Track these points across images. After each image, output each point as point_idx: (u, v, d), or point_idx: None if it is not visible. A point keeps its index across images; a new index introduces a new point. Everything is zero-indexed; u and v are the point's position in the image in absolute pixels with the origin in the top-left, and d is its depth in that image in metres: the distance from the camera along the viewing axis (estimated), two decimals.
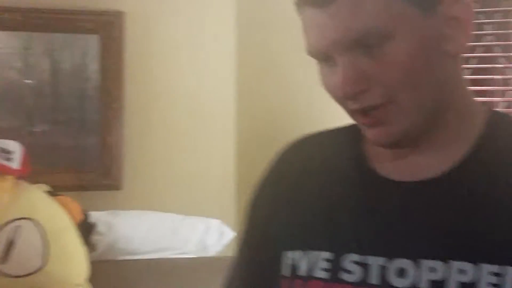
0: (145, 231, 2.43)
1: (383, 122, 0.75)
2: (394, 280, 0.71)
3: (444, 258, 0.68)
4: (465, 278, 0.67)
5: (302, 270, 0.77)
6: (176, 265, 2.39)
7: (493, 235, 0.68)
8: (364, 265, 0.72)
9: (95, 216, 2.32)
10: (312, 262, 0.77)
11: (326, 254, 0.76)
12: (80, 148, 2.57)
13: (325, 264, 0.75)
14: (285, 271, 0.81)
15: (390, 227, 0.74)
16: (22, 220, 2.00)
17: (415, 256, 0.71)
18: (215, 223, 2.50)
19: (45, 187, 2.21)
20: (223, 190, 2.70)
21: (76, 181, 2.50)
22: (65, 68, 2.60)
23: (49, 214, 2.08)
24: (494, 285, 0.66)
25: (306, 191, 0.85)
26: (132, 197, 2.57)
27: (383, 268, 0.71)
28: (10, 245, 1.95)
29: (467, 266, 0.67)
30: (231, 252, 2.57)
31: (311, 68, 0.87)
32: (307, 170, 0.87)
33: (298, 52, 0.87)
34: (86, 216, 2.21)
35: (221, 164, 2.73)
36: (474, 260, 0.67)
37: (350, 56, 0.73)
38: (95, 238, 2.25)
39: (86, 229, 2.20)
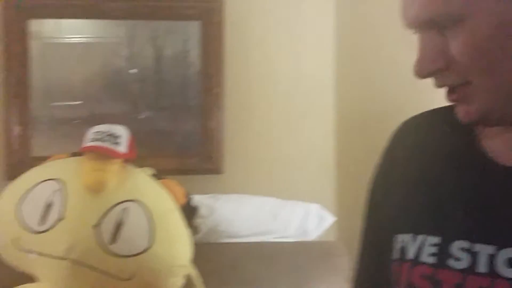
0: (246, 215, 2.45)
1: (464, 100, 0.75)
2: (503, 269, 0.68)
3: None
4: None
5: (410, 254, 0.76)
6: (276, 249, 2.41)
7: None
8: (472, 253, 0.70)
9: (198, 199, 2.38)
10: (420, 246, 0.75)
11: (435, 239, 0.74)
12: (183, 133, 2.63)
13: (432, 249, 0.73)
14: (395, 254, 0.80)
15: (500, 215, 0.71)
16: (130, 202, 2.07)
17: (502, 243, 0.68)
18: (315, 207, 2.49)
19: (150, 171, 2.29)
20: (323, 175, 2.68)
21: (179, 165, 2.56)
22: (167, 55, 2.67)
23: (154, 196, 2.15)
24: None
25: (417, 173, 0.84)
26: (233, 181, 2.60)
27: (491, 257, 0.69)
28: (118, 226, 2.03)
29: None
30: (331, 237, 2.56)
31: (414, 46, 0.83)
32: (419, 151, 0.86)
33: (400, 29, 0.84)
34: (189, 199, 2.27)
35: (321, 149, 2.71)
36: None
37: (429, 34, 0.74)
38: (198, 221, 2.31)
39: (189, 211, 2.25)
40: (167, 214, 2.13)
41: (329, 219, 2.46)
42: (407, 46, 0.94)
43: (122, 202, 2.05)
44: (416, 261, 0.75)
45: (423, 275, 0.73)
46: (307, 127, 2.69)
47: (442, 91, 0.80)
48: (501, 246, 0.68)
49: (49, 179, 2.10)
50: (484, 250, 0.69)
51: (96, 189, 2.05)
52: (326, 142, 2.70)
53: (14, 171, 2.40)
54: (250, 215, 2.45)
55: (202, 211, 2.38)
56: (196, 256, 2.18)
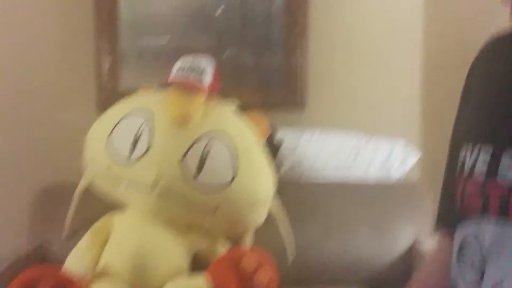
0: (329, 151, 2.43)
1: None
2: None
3: None
4: None
5: (467, 166, 0.74)
6: (360, 188, 2.38)
7: None
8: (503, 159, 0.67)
9: (281, 134, 2.37)
10: (476, 155, 0.73)
11: (489, 149, 0.71)
12: (267, 67, 2.61)
13: (486, 158, 0.71)
14: (459, 168, 0.78)
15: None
16: (214, 135, 2.08)
17: None
18: (399, 144, 2.42)
19: (235, 104, 2.29)
20: (409, 110, 2.60)
21: (263, 99, 2.55)
22: None
23: (238, 129, 2.16)
24: None
25: (487, 85, 0.81)
26: (317, 116, 2.57)
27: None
28: (203, 158, 2.06)
29: None
30: (414, 175, 2.50)
31: None
32: (492, 67, 0.83)
33: None
34: (273, 133, 2.26)
35: (407, 83, 2.62)
36: None
37: None
38: (281, 156, 2.30)
39: (273, 146, 2.25)
40: (251, 148, 2.14)
41: (414, 157, 2.40)
42: None
43: (206, 134, 2.07)
44: (470, 173, 0.73)
45: (474, 185, 0.72)
46: (394, 61, 2.60)
47: None
48: None
49: (137, 111, 2.15)
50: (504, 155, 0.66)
51: (182, 121, 2.07)
52: (413, 76, 2.60)
53: (104, 103, 2.48)
54: (333, 151, 2.43)
55: (285, 146, 2.37)
56: (278, 191, 2.20)
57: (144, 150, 2.06)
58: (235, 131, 2.14)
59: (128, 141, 2.09)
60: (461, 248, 0.78)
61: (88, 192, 2.23)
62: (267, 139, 2.23)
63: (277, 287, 1.99)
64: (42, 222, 2.32)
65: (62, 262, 2.07)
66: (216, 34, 2.64)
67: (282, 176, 2.29)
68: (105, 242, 2.08)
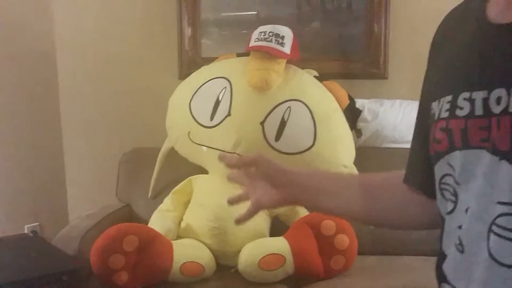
0: (409, 120, 2.38)
1: None
2: (494, 108, 0.77)
3: None
4: None
5: (436, 115, 0.87)
6: None
7: None
8: (471, 100, 0.80)
9: (361, 103, 2.35)
10: (441, 106, 0.86)
11: (449, 97, 0.85)
12: (348, 37, 2.57)
13: (447, 106, 0.84)
14: (430, 119, 0.89)
15: (491, 64, 0.81)
16: (293, 102, 2.09)
17: (509, 85, 0.77)
18: None
19: (314, 72, 2.28)
20: None
21: (343, 69, 2.53)
22: None
23: (318, 97, 2.16)
24: None
25: (443, 50, 0.95)
26: (397, 86, 2.52)
27: (485, 100, 0.79)
28: (283, 124, 2.07)
29: None
30: None
31: None
32: (447, 31, 0.98)
33: None
34: (352, 102, 2.24)
35: None
36: None
37: None
38: (361, 124, 2.28)
39: (352, 114, 2.23)
40: (330, 114, 2.13)
41: None
42: None
43: (286, 101, 2.08)
44: (438, 119, 0.86)
45: (441, 128, 0.85)
46: None
47: None
48: (491, 89, 0.78)
49: (217, 78, 2.19)
50: (479, 95, 0.79)
51: (261, 87, 2.09)
52: None
53: (185, 70, 2.54)
54: (413, 121, 2.38)
55: (366, 115, 2.35)
56: (358, 158, 2.19)
57: (224, 115, 2.10)
58: (315, 98, 2.14)
59: (208, 106, 2.14)
60: (440, 186, 0.89)
61: (171, 156, 2.29)
62: (347, 107, 2.21)
63: (356, 253, 1.99)
64: (129, 183, 2.42)
65: (146, 221, 2.15)
66: (297, 4, 2.62)
67: (363, 144, 2.27)
68: (186, 204, 2.14)
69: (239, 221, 1.20)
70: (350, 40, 2.58)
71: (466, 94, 0.80)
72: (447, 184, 0.86)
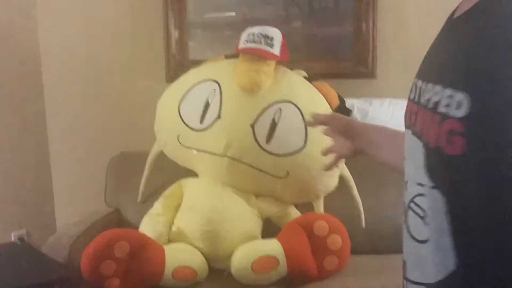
0: (399, 119, 2.37)
1: None
2: (421, 98, 0.84)
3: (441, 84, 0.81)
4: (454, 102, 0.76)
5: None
6: None
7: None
8: (415, 87, 0.88)
9: (351, 103, 2.34)
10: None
11: (415, 81, 0.91)
12: (335, 37, 2.56)
13: (414, 89, 0.90)
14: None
15: (431, 57, 0.89)
16: (284, 103, 2.08)
17: (435, 82, 0.82)
18: None
19: (303, 73, 2.27)
20: None
21: (332, 69, 2.52)
22: None
23: (308, 98, 2.14)
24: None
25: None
26: (386, 85, 2.53)
27: (420, 89, 0.86)
28: (273, 126, 2.06)
29: (459, 94, 0.76)
30: None
31: None
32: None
33: None
34: (342, 101, 2.24)
35: None
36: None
37: None
38: None
39: (342, 114, 2.21)
40: None
41: None
42: None
43: (276, 102, 2.07)
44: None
45: (407, 109, 0.92)
46: None
47: None
48: (424, 80, 0.85)
49: (206, 80, 2.17)
50: (419, 84, 0.86)
51: (251, 89, 2.08)
52: None
53: (173, 73, 2.51)
54: (403, 119, 2.38)
55: (355, 114, 2.34)
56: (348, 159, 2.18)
57: (214, 118, 2.08)
58: (305, 99, 2.13)
59: (198, 109, 2.12)
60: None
61: (160, 159, 2.27)
62: (337, 108, 2.20)
63: (349, 253, 1.98)
64: (118, 188, 2.39)
65: (136, 225, 2.13)
66: (283, 4, 2.61)
67: None
68: (177, 207, 2.12)
69: (327, 167, 1.47)
70: (338, 40, 2.57)
71: (415, 80, 0.90)
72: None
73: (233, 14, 2.62)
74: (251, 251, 1.93)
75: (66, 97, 2.65)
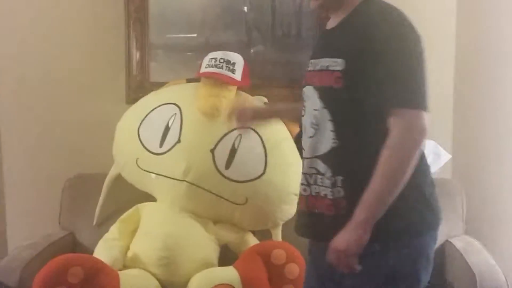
0: None
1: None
2: (316, 67, 1.52)
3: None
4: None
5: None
6: None
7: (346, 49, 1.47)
8: (313, 64, 1.54)
9: None
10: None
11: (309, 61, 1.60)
12: (297, 64, 2.58)
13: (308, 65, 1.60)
14: None
15: (319, 47, 1.59)
16: (244, 129, 2.08)
17: (320, 57, 1.51)
18: (430, 144, 2.40)
19: (264, 99, 2.29)
20: (440, 112, 2.57)
21: (293, 96, 2.53)
22: None
23: (268, 124, 2.15)
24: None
25: None
26: None
27: (313, 63, 1.53)
28: (233, 151, 2.06)
29: (327, 60, 1.48)
30: (446, 175, 2.47)
31: None
32: None
33: None
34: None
35: (438, 85, 2.59)
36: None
37: None
38: None
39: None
40: (281, 142, 2.13)
41: (445, 157, 2.38)
42: None
43: (236, 128, 2.07)
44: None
45: (306, 77, 1.58)
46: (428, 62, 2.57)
47: None
48: (316, 57, 1.53)
49: (167, 104, 2.16)
50: (312, 62, 1.54)
51: (212, 114, 2.08)
52: (445, 78, 2.58)
53: (134, 95, 2.48)
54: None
55: None
56: None
57: (174, 142, 2.07)
58: (265, 126, 2.12)
59: (157, 133, 2.11)
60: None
61: (118, 182, 2.24)
62: (298, 135, 2.21)
63: None
64: (73, 210, 2.34)
65: (91, 249, 2.09)
66: (245, 30, 2.63)
67: None
68: (133, 232, 2.09)
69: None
70: (299, 66, 2.59)
71: (311, 60, 1.55)
72: (304, 103, 1.58)
73: (195, 35, 2.62)
74: (207, 278, 1.91)
75: (21, 117, 2.58)
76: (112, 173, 2.25)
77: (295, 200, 2.14)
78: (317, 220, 1.51)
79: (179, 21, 2.62)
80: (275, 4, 2.61)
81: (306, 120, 1.55)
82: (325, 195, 1.47)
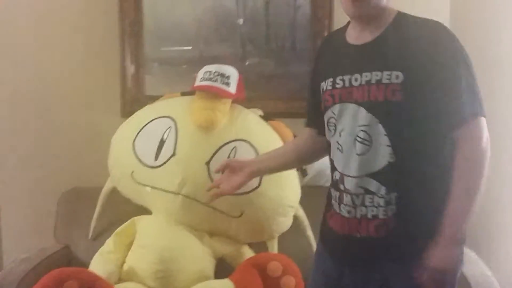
0: None
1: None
2: (353, 82, 1.50)
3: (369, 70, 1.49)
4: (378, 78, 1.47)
5: (324, 88, 1.58)
6: None
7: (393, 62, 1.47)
8: (343, 80, 1.52)
9: None
10: (326, 84, 1.57)
11: (330, 79, 1.56)
12: (292, 76, 2.60)
13: (330, 83, 1.56)
14: (321, 91, 1.61)
15: (351, 63, 1.53)
16: (239, 142, 2.09)
17: (358, 72, 1.50)
18: None
19: (259, 112, 2.30)
20: None
21: (287, 108, 2.54)
22: None
23: (263, 137, 2.16)
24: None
25: (323, 57, 1.70)
26: None
27: (347, 79, 1.52)
28: None
29: (378, 74, 1.47)
30: None
31: None
32: (324, 48, 1.73)
33: None
34: None
35: None
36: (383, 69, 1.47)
37: None
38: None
39: None
40: None
41: None
42: None
43: (231, 141, 2.08)
44: (326, 89, 1.57)
45: (329, 94, 1.56)
46: None
47: None
48: (352, 74, 1.50)
49: (162, 117, 2.16)
50: (347, 77, 1.52)
51: (207, 127, 2.09)
52: None
53: (129, 108, 2.49)
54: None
55: None
56: (304, 197, 2.20)
57: (169, 155, 2.07)
58: (260, 138, 2.14)
59: (153, 146, 2.11)
60: (327, 123, 1.59)
61: (113, 195, 2.24)
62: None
63: None
64: (68, 224, 2.34)
65: (87, 263, 2.08)
66: (239, 42, 2.64)
67: (308, 183, 2.28)
68: (129, 245, 2.08)
69: (209, 199, 1.83)
70: (294, 79, 2.61)
71: (340, 77, 1.53)
72: (331, 121, 1.56)
73: (189, 48, 2.63)
74: None
75: (17, 131, 2.59)
76: (107, 186, 2.25)
77: (291, 212, 2.16)
78: (360, 245, 1.49)
79: (173, 34, 2.63)
80: (269, 17, 2.63)
81: (345, 139, 1.50)
82: (375, 215, 1.45)
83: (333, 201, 1.58)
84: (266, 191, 2.07)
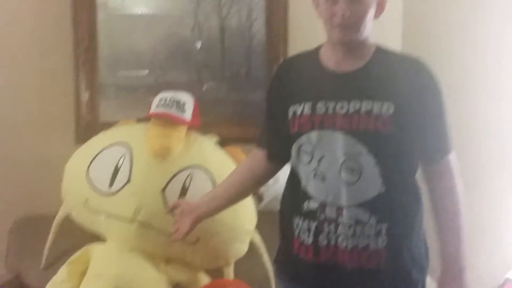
0: None
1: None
2: (340, 110, 1.48)
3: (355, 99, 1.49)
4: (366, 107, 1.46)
5: (298, 112, 1.53)
6: None
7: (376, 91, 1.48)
8: (326, 106, 1.50)
9: None
10: (302, 107, 1.52)
11: (309, 103, 1.52)
12: (248, 103, 2.63)
13: (308, 107, 1.51)
14: (290, 115, 1.56)
15: (337, 89, 1.52)
16: (195, 168, 2.10)
17: (345, 99, 1.48)
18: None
19: (215, 138, 2.31)
20: None
21: (243, 134, 2.56)
22: (232, 25, 2.67)
23: (219, 163, 2.17)
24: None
25: (289, 83, 1.62)
26: None
27: (330, 106, 1.49)
28: (184, 191, 2.06)
29: (368, 103, 1.47)
30: None
31: None
32: (289, 73, 1.65)
33: None
34: None
35: None
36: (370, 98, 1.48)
37: None
38: (261, 189, 2.31)
39: None
40: None
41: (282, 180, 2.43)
42: None
43: (187, 168, 2.08)
44: (302, 114, 1.52)
45: (306, 119, 1.51)
46: None
47: None
48: (337, 101, 1.49)
49: (116, 144, 2.15)
50: (331, 104, 1.50)
51: (162, 154, 2.08)
52: None
53: (83, 135, 2.47)
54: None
55: None
56: (260, 223, 2.21)
57: (124, 182, 2.06)
58: (216, 165, 2.15)
59: (107, 173, 2.09)
60: (299, 149, 1.54)
61: (66, 223, 2.20)
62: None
63: None
64: (20, 252, 2.28)
65: None
66: (195, 68, 2.66)
67: (264, 209, 2.30)
68: (83, 274, 2.04)
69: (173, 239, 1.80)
70: (249, 105, 2.64)
71: (322, 102, 1.49)
72: (306, 147, 1.51)
73: (145, 73, 2.64)
74: None
75: None
76: (60, 214, 2.21)
77: (247, 238, 2.17)
78: (351, 277, 1.49)
79: (129, 60, 2.64)
80: (224, 44, 2.66)
81: (328, 167, 1.48)
82: (366, 246, 1.47)
83: (299, 231, 1.55)
84: (222, 217, 2.06)
